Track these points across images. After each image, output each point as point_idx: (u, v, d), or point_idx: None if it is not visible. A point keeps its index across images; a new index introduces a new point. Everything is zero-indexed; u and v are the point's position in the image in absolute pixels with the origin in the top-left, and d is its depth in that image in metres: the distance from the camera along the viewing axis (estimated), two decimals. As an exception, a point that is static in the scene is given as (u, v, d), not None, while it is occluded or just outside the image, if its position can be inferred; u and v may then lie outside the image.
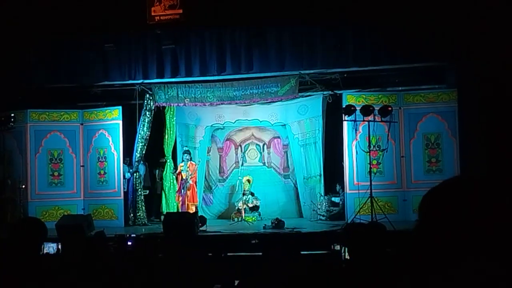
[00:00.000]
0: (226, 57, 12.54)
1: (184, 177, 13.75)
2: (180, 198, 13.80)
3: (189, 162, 13.85)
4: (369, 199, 11.89)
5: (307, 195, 14.86)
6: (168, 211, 14.03)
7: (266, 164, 16.27)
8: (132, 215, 13.91)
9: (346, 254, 6.74)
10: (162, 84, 13.55)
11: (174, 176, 14.48)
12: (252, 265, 5.30)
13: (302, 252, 9.24)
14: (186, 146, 14.80)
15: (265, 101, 14.12)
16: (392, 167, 13.06)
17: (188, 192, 13.79)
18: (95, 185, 14.07)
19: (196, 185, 14.18)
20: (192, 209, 13.54)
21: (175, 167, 14.50)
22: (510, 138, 10.47)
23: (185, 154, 14.04)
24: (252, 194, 14.92)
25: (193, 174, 13.85)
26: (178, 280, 4.93)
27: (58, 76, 13.02)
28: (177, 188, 14.12)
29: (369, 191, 11.91)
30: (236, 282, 5.28)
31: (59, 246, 9.97)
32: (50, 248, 10.07)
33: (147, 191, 14.53)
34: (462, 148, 12.12)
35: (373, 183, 12.04)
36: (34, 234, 3.72)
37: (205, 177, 15.91)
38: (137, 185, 14.06)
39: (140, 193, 14.06)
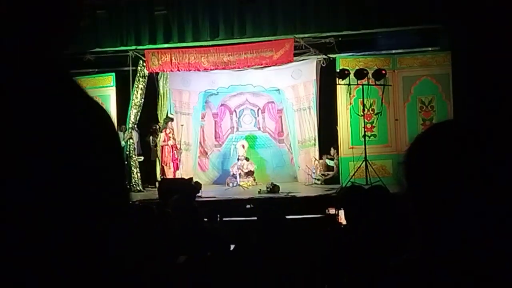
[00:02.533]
0: (218, 22, 12.44)
1: (175, 144, 14.00)
2: (174, 166, 14.02)
3: (170, 130, 14.21)
4: (364, 163, 11.96)
5: (302, 160, 14.91)
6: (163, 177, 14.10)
7: (261, 129, 16.27)
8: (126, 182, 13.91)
9: (342, 217, 6.80)
10: (155, 50, 13.43)
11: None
12: (247, 229, 5.35)
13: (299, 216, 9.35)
14: (172, 114, 14.82)
15: (259, 66, 14.02)
16: (386, 130, 13.08)
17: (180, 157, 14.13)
18: (89, 153, 14.05)
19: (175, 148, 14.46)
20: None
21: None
22: (504, 101, 10.46)
23: (169, 122, 14.23)
24: (247, 159, 14.95)
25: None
26: (173, 245, 4.97)
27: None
28: (167, 158, 14.26)
29: (363, 154, 11.98)
30: (232, 247, 5.33)
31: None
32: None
33: (142, 158, 14.50)
34: (456, 111, 12.13)
35: (367, 146, 12.11)
36: None
37: (201, 143, 15.91)
38: (131, 151, 14.04)
39: (134, 159, 14.07)
